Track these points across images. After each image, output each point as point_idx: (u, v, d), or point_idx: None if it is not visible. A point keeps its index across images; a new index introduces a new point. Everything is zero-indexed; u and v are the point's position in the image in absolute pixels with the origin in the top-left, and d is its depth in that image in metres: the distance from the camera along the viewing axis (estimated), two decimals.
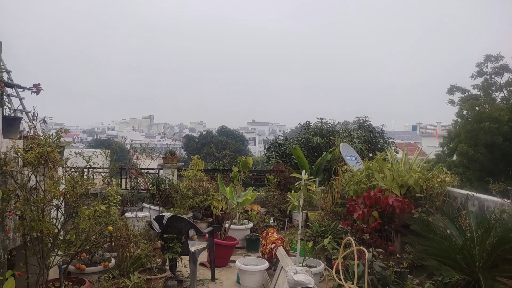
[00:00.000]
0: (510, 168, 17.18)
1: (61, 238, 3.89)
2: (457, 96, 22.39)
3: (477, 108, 19.49)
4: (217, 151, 11.03)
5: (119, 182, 8.74)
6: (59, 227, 3.76)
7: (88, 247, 4.21)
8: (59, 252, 3.86)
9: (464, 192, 5.39)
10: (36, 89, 3.99)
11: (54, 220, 3.75)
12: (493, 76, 22.06)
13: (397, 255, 4.73)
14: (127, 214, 6.92)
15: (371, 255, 4.11)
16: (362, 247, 3.92)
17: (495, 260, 3.68)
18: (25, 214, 3.48)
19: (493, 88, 22.01)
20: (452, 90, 22.51)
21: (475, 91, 22.14)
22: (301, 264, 4.65)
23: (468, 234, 3.98)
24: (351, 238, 3.99)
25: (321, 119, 11.14)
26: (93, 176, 8.15)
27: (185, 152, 39.75)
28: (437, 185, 5.34)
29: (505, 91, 22.07)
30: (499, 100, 21.95)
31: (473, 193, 5.22)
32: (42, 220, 3.50)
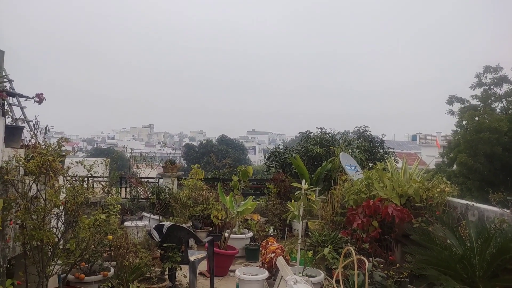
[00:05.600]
0: (510, 178, 17.15)
1: (61, 247, 3.89)
2: (456, 107, 22.51)
3: (476, 119, 19.55)
4: (217, 160, 11.03)
5: (119, 191, 8.74)
6: (59, 236, 3.76)
7: (87, 256, 4.20)
8: (59, 261, 3.86)
9: (464, 202, 5.39)
10: (39, 98, 4.03)
11: (54, 229, 3.75)
12: (492, 86, 22.18)
13: (397, 264, 4.72)
14: (127, 223, 6.91)
15: (371, 264, 4.10)
16: (362, 257, 3.91)
17: (495, 270, 3.67)
18: (25, 223, 3.48)
19: (492, 98, 22.11)
20: (451, 100, 22.62)
21: (474, 102, 22.24)
22: (301, 274, 4.64)
23: (468, 244, 3.98)
24: (351, 248, 3.98)
25: (321, 128, 11.19)
26: (93, 185, 8.17)
27: (185, 161, 39.81)
28: (437, 195, 5.35)
29: (504, 102, 22.17)
30: (498, 110, 22.04)
31: (473, 203, 5.22)
32: (43, 229, 3.51)
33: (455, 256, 3.81)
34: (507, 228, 4.07)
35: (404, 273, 4.30)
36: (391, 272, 4.21)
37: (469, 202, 5.26)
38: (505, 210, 4.52)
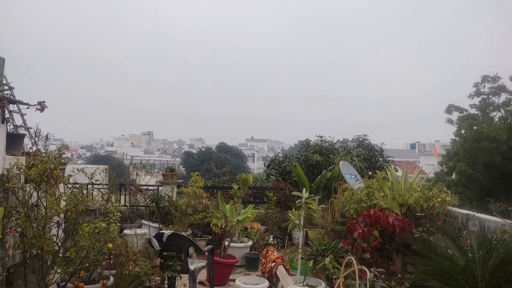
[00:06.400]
0: (509, 188, 17.17)
1: (61, 255, 3.86)
2: (455, 115, 22.61)
3: (475, 128, 19.61)
4: (216, 168, 11.02)
5: (118, 198, 8.70)
6: (59, 244, 3.74)
7: (87, 264, 4.17)
8: (58, 270, 3.83)
9: (465, 211, 5.38)
10: (41, 106, 4.04)
11: (55, 237, 3.73)
12: (490, 96, 22.30)
13: (399, 275, 4.70)
14: (126, 231, 6.88)
15: (373, 275, 4.08)
16: (363, 267, 3.89)
17: (497, 281, 3.65)
18: (26, 231, 3.47)
19: (490, 107, 22.21)
20: (450, 109, 22.70)
21: (473, 111, 22.33)
22: (301, 284, 4.61)
23: (470, 255, 3.96)
24: (352, 258, 3.97)
25: (321, 137, 11.19)
26: (92, 193, 8.13)
27: (184, 168, 39.74)
28: (437, 205, 5.34)
29: (502, 111, 22.27)
30: (496, 119, 22.11)
31: (473, 213, 5.22)
32: (43, 237, 3.48)
33: (457, 267, 3.78)
34: (509, 239, 4.06)
35: (406, 284, 4.28)
36: (392, 282, 4.19)
37: (470, 212, 5.25)
38: (507, 220, 4.52)
